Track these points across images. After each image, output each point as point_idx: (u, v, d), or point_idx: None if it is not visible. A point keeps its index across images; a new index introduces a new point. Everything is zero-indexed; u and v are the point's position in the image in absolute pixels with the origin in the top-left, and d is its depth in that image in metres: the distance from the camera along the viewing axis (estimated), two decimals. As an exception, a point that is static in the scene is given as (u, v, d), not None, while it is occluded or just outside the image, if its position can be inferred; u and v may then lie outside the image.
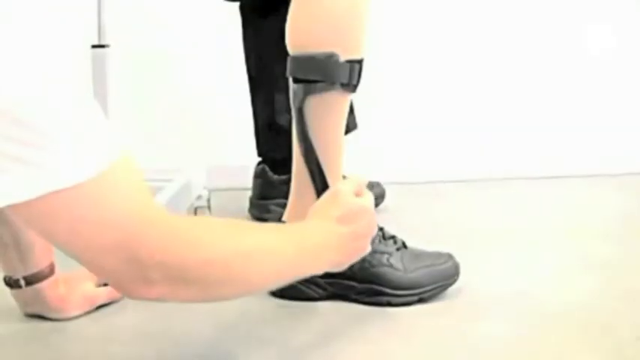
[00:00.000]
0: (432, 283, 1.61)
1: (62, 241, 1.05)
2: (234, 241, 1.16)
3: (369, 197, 1.42)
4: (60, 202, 0.98)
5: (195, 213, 1.99)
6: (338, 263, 1.36)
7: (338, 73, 1.53)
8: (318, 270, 1.34)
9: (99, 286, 1.61)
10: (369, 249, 1.42)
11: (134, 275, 1.06)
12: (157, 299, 1.10)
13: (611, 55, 2.77)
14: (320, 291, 1.61)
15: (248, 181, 2.28)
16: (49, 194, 0.97)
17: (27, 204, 0.97)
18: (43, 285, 1.51)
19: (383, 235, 1.63)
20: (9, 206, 0.97)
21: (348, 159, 1.67)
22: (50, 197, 0.97)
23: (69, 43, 1.00)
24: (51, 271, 1.51)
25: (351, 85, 1.56)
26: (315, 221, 1.35)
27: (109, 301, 1.61)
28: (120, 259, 1.04)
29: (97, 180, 0.99)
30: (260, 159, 2.27)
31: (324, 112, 1.56)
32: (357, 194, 1.40)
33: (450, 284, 1.63)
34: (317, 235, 1.31)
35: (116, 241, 1.03)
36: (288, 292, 1.60)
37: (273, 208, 2.17)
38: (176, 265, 1.07)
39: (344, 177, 1.67)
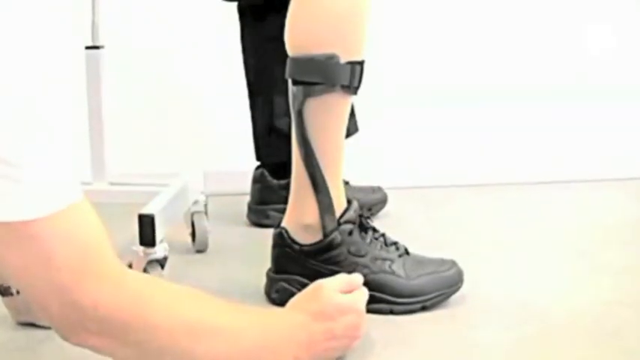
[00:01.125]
0: (435, 290, 1.60)
1: (12, 273, 1.05)
2: (187, 311, 1.14)
3: (359, 297, 1.37)
4: (13, 233, 0.98)
5: (192, 218, 1.99)
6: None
7: (338, 75, 1.53)
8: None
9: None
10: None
11: (74, 321, 1.05)
12: (91, 349, 1.09)
13: (612, 55, 2.78)
14: (320, 298, 1.61)
15: (246, 186, 2.28)
16: (2, 223, 0.96)
17: None
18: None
19: (385, 242, 1.63)
20: None
21: (349, 163, 1.67)
22: (4, 226, 0.97)
23: (56, 54, 0.99)
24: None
25: (351, 88, 1.55)
26: (289, 313, 1.30)
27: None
28: (63, 302, 1.03)
29: (54, 218, 0.99)
30: (259, 163, 2.27)
31: (324, 115, 1.56)
32: (346, 292, 1.35)
33: (454, 292, 1.63)
34: (284, 327, 1.26)
35: (62, 284, 1.02)
36: (287, 300, 1.59)
37: (272, 213, 2.17)
38: (118, 323, 1.06)
39: (345, 183, 1.67)
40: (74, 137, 1.04)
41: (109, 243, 1.08)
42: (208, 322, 1.15)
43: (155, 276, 1.61)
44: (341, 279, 1.39)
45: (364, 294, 1.38)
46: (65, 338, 1.09)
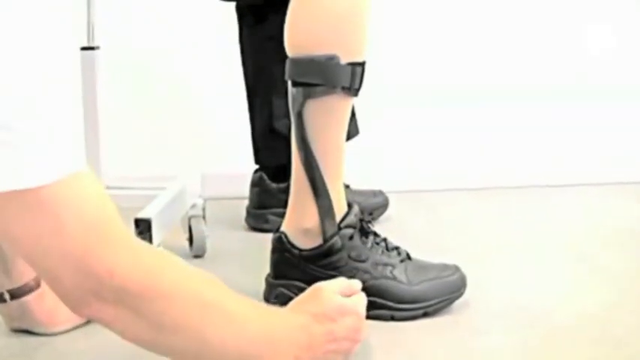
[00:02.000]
0: (437, 296, 1.60)
1: (22, 246, 1.05)
2: (200, 290, 1.14)
3: (359, 300, 1.36)
4: (22, 202, 0.98)
5: (190, 222, 1.99)
6: None
7: (339, 76, 1.53)
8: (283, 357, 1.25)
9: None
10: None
11: (88, 290, 1.05)
12: (102, 322, 1.09)
13: (614, 55, 2.78)
14: (320, 305, 1.61)
15: (245, 189, 2.28)
16: (9, 192, 0.97)
17: None
18: (29, 298, 1.50)
19: (386, 246, 1.62)
20: None
21: (350, 166, 1.67)
22: (11, 196, 0.97)
23: (53, 45, 1.00)
24: (37, 283, 1.51)
25: (352, 89, 1.55)
26: (291, 313, 1.30)
27: (99, 314, 1.60)
28: (78, 272, 1.04)
29: (60, 186, 0.99)
30: (257, 166, 2.27)
31: (324, 117, 1.56)
32: (345, 295, 1.34)
33: (457, 297, 1.62)
34: (286, 326, 1.26)
35: (76, 251, 1.03)
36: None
37: (271, 217, 2.17)
38: (133, 293, 1.07)
39: (346, 186, 1.67)
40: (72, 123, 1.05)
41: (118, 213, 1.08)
42: (219, 304, 1.16)
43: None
44: (341, 282, 1.38)
45: (363, 298, 1.37)
46: (77, 310, 1.09)
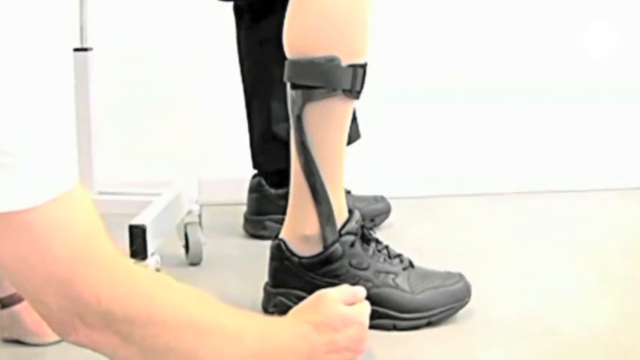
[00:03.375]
0: (441, 305, 1.60)
1: (7, 266, 1.04)
2: (192, 310, 1.14)
3: (363, 309, 1.36)
4: (7, 224, 0.98)
5: (186, 229, 1.99)
6: None
7: (339, 79, 1.53)
8: None
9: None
10: None
11: (74, 314, 1.05)
12: (90, 346, 1.09)
13: (620, 59, 2.79)
14: (320, 314, 1.61)
15: (243, 195, 2.28)
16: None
17: None
18: (21, 307, 1.50)
19: (388, 254, 1.63)
20: None
21: (351, 171, 1.67)
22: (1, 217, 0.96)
23: (44, 54, 0.99)
24: (28, 292, 1.51)
25: (353, 92, 1.55)
26: (290, 322, 1.30)
27: (92, 324, 1.60)
28: (63, 296, 1.03)
29: (47, 208, 0.99)
30: (256, 171, 2.27)
31: (324, 120, 1.56)
32: (348, 303, 1.34)
33: (461, 306, 1.62)
34: (284, 337, 1.25)
35: (62, 275, 1.02)
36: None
37: (269, 224, 2.17)
38: (123, 317, 1.06)
39: (347, 192, 1.67)
40: (65, 130, 1.04)
41: (107, 234, 1.07)
42: (213, 322, 1.15)
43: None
44: (344, 290, 1.38)
45: (367, 307, 1.37)
46: (64, 336, 1.09)
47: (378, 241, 1.64)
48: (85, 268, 1.03)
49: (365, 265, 1.59)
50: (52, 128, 1.00)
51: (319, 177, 1.57)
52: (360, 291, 1.40)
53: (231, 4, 2.22)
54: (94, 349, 1.10)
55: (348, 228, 1.60)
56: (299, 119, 1.55)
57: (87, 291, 1.03)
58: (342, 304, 1.33)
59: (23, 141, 0.96)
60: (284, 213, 1.64)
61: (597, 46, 2.76)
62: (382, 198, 2.32)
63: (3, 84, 0.94)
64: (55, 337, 1.53)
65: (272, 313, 1.62)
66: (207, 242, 2.01)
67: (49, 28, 1.00)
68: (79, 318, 1.05)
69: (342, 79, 1.53)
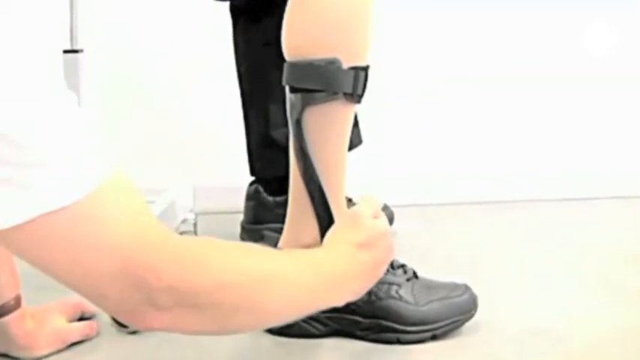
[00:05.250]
0: (446, 317, 1.60)
1: (59, 270, 1.06)
2: (247, 265, 1.18)
3: (384, 219, 1.45)
4: (52, 226, 0.99)
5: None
6: (360, 293, 1.41)
7: (341, 82, 1.52)
8: (341, 301, 1.37)
9: (71, 321, 1.61)
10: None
11: (141, 301, 1.07)
12: (167, 328, 1.11)
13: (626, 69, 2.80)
14: (321, 327, 1.61)
15: (239, 203, 2.28)
16: (39, 217, 0.98)
17: (17, 229, 0.98)
18: (9, 319, 1.50)
19: (391, 264, 1.62)
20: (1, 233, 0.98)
21: (352, 178, 1.67)
22: (41, 221, 0.98)
23: (53, 50, 1.01)
24: (17, 303, 1.51)
25: (355, 96, 1.55)
26: (336, 248, 1.38)
27: (83, 338, 1.61)
28: (124, 285, 1.05)
29: (90, 200, 1.00)
30: (253, 178, 2.27)
31: (325, 125, 1.56)
32: (375, 217, 1.43)
33: (467, 319, 1.63)
34: (339, 264, 1.34)
35: (118, 266, 1.04)
36: (286, 329, 1.60)
37: (267, 233, 2.16)
38: (187, 289, 1.09)
39: (348, 200, 1.67)
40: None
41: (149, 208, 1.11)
42: (271, 272, 1.20)
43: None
44: (370, 203, 1.46)
45: (385, 216, 1.46)
46: (134, 322, 1.12)
47: (380, 251, 1.64)
48: (141, 252, 1.06)
49: (367, 276, 1.59)
50: (78, 120, 1.02)
51: (319, 184, 1.56)
52: (379, 200, 1.48)
53: (227, 5, 2.22)
54: (166, 330, 1.13)
55: (349, 237, 1.60)
56: (298, 124, 1.55)
57: (148, 274, 1.05)
58: (373, 219, 1.42)
59: (53, 139, 0.98)
60: (282, 222, 1.64)
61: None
62: (385, 206, 2.33)
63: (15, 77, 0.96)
64: (43, 352, 1.54)
65: (271, 327, 1.62)
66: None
67: (43, 29, 1.01)
68: (146, 303, 1.07)
69: (343, 82, 1.53)
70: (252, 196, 2.24)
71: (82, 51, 1.99)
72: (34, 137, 0.96)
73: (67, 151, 0.99)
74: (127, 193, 1.08)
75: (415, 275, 1.64)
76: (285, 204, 1.65)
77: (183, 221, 1.98)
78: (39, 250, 1.03)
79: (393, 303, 1.59)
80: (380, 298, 1.58)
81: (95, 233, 1.02)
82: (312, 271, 1.28)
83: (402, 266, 1.64)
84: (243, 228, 2.26)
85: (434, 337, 1.59)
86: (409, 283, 1.61)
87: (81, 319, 1.66)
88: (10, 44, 0.96)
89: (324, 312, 1.58)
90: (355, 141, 2.11)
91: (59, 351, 1.56)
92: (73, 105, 1.03)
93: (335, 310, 1.56)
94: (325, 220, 1.58)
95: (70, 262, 1.04)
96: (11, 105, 0.95)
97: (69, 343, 1.58)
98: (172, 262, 1.08)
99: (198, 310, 1.11)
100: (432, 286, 1.63)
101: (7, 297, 1.50)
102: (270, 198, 2.20)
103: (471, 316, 1.63)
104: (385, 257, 1.44)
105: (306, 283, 1.25)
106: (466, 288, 1.64)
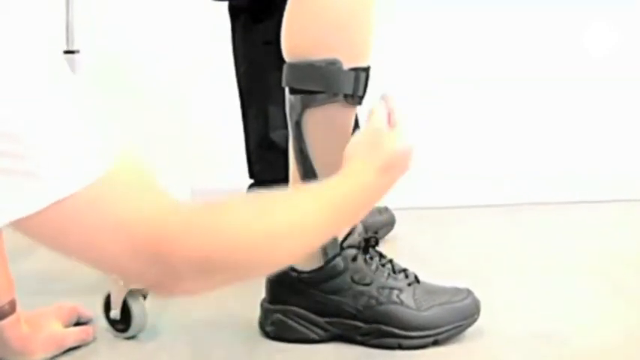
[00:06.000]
0: (448, 322, 1.60)
1: (76, 254, 1.09)
2: (262, 224, 1.18)
3: (403, 129, 1.41)
4: (64, 213, 1.01)
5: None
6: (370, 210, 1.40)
7: (341, 83, 1.52)
8: (352, 225, 1.40)
9: (67, 326, 1.61)
10: None
11: (161, 274, 1.09)
12: (192, 293, 1.15)
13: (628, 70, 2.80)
14: (321, 332, 1.60)
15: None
16: (51, 206, 0.99)
17: (32, 219, 1.00)
18: (3, 324, 1.50)
19: (392, 269, 1.62)
20: (15, 223, 1.00)
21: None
22: (53, 209, 1.00)
23: (49, 42, 1.02)
24: (12, 308, 1.50)
25: (355, 97, 1.55)
26: (356, 176, 1.34)
27: (79, 343, 1.60)
28: (142, 261, 1.07)
29: (98, 185, 1.02)
30: (252, 181, 2.26)
31: (325, 127, 1.56)
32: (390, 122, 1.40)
33: (469, 324, 1.62)
34: (358, 196, 1.32)
35: (133, 244, 1.06)
36: (285, 335, 1.59)
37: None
38: (203, 257, 1.10)
39: None
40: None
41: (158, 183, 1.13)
42: (285, 225, 1.19)
43: (136, 300, 1.62)
44: (384, 112, 1.41)
45: (403, 118, 1.43)
46: (162, 294, 1.18)
47: (381, 255, 1.64)
48: (153, 228, 1.07)
49: (368, 281, 1.59)
50: (79, 105, 1.05)
51: (319, 187, 1.56)
52: (392, 100, 1.43)
53: (225, 4, 2.21)
54: (193, 295, 1.16)
55: (349, 241, 1.59)
56: (298, 126, 1.55)
57: (162, 248, 1.07)
58: (398, 137, 1.39)
59: (56, 130, 1.00)
60: (282, 225, 1.64)
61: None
62: (386, 209, 2.32)
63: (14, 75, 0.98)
64: (40, 356, 1.53)
65: (269, 331, 1.62)
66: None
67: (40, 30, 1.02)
68: (166, 275, 1.09)
69: (343, 84, 1.52)
70: (251, 199, 2.23)
71: (78, 52, 1.98)
72: (37, 128, 0.98)
73: (72, 140, 1.01)
74: (135, 172, 1.10)
75: (417, 280, 1.63)
76: (284, 207, 1.64)
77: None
78: (54, 237, 1.05)
79: (394, 308, 1.58)
80: (381, 303, 1.58)
81: (106, 216, 1.04)
82: (330, 210, 1.26)
83: (404, 270, 1.64)
84: (241, 231, 2.25)
85: (436, 343, 1.58)
86: (411, 288, 1.61)
87: (77, 323, 1.65)
88: (9, 38, 0.97)
89: (323, 316, 1.58)
90: (356, 143, 2.10)
91: (55, 356, 1.56)
92: (78, 92, 1.05)
93: (335, 314, 1.56)
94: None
95: (85, 245, 1.06)
96: (13, 100, 0.97)
97: (65, 348, 1.58)
98: (185, 233, 1.09)
99: (214, 273, 1.13)
100: (433, 291, 1.62)
101: (2, 301, 1.50)
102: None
103: (474, 321, 1.62)
104: (403, 172, 1.40)
105: (324, 224, 1.25)
106: (468, 292, 1.64)
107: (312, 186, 1.36)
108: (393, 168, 1.36)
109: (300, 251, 1.25)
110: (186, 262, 1.08)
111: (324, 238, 1.31)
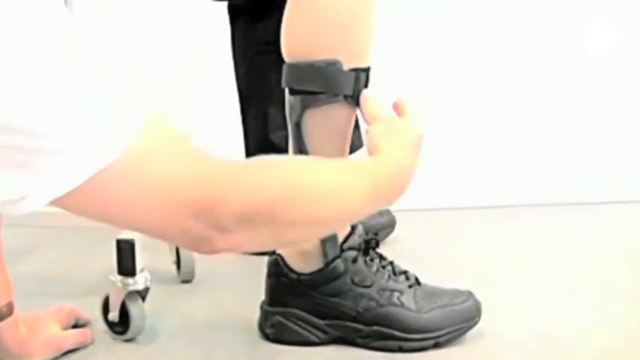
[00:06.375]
0: (449, 325, 1.59)
1: (122, 221, 1.11)
2: (305, 178, 1.20)
3: (412, 110, 1.44)
4: (101, 185, 1.03)
5: (177, 246, 1.98)
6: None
7: (341, 84, 1.52)
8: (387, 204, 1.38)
9: (66, 328, 1.60)
10: None
11: (204, 229, 1.10)
12: (233, 249, 1.17)
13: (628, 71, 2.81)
14: (321, 335, 1.60)
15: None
16: (86, 182, 1.01)
17: (68, 197, 1.01)
18: (1, 326, 1.49)
19: (393, 271, 1.62)
20: (54, 202, 1.03)
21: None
22: (88, 184, 1.01)
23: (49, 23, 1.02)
24: (9, 310, 1.50)
25: (356, 98, 1.54)
26: (390, 156, 1.36)
27: (77, 345, 1.60)
28: (185, 219, 1.09)
29: (131, 154, 1.04)
30: (251, 182, 2.25)
31: (325, 128, 1.55)
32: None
33: (471, 327, 1.61)
34: (394, 173, 1.33)
35: (176, 205, 1.08)
36: (285, 337, 1.59)
37: (266, 239, 2.15)
38: (246, 209, 1.11)
39: None
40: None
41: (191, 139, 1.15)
42: (330, 185, 1.22)
43: (135, 302, 1.61)
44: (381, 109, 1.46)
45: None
46: (206, 250, 1.15)
47: (382, 257, 1.63)
48: (195, 186, 1.09)
49: (368, 283, 1.58)
50: (98, 85, 1.06)
51: (319, 188, 1.56)
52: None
53: (225, 4, 2.21)
54: (233, 251, 1.21)
55: (350, 243, 1.59)
56: (298, 127, 1.55)
57: (204, 204, 1.09)
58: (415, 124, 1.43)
59: (81, 106, 1.01)
60: (282, 227, 1.63)
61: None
62: (387, 211, 2.32)
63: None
64: (38, 358, 1.53)
65: (269, 334, 1.61)
66: (199, 258, 2.00)
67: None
68: (209, 229, 1.11)
69: (343, 84, 1.52)
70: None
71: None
72: (60, 107, 0.99)
73: (97, 114, 1.03)
74: (168, 134, 1.12)
75: (417, 282, 1.63)
76: (284, 209, 1.64)
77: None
78: (95, 209, 1.08)
79: (394, 310, 1.58)
80: (381, 305, 1.57)
81: (145, 181, 1.07)
82: (369, 181, 1.27)
83: (404, 272, 1.63)
84: (241, 233, 2.25)
85: (436, 345, 1.58)
86: (411, 290, 1.60)
87: (75, 326, 1.65)
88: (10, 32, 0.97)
89: (324, 319, 1.57)
90: (356, 144, 2.09)
91: (53, 359, 1.55)
92: (98, 64, 1.07)
93: (335, 317, 1.56)
94: (325, 225, 1.57)
95: (127, 212, 1.08)
96: (30, 85, 0.97)
97: (63, 350, 1.57)
98: (229, 186, 1.12)
99: (262, 225, 1.14)
100: (434, 293, 1.62)
101: (0, 303, 1.49)
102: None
103: (475, 324, 1.62)
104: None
105: (365, 194, 1.26)
106: (469, 295, 1.63)
107: (351, 161, 1.40)
108: (419, 148, 1.39)
109: (340, 215, 1.26)
110: (229, 215, 1.10)
111: (364, 210, 1.29)
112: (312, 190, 1.19)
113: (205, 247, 1.13)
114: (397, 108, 1.44)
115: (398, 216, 2.32)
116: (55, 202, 1.02)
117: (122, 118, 1.06)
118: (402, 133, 1.39)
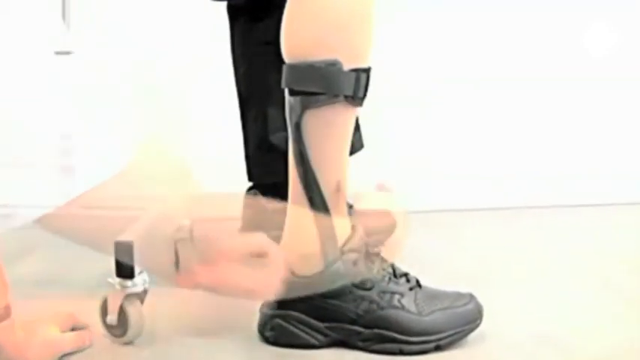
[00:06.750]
0: (450, 328, 1.58)
1: None
2: None
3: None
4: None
5: (176, 246, 1.96)
6: None
7: (341, 84, 1.51)
8: None
9: (64, 332, 1.60)
10: None
11: None
12: None
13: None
14: (320, 337, 1.59)
15: (237, 209, 2.26)
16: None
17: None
18: (-1, 328, 1.49)
19: (394, 273, 1.61)
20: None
21: (353, 184, 1.66)
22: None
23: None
24: (6, 313, 1.49)
25: (356, 99, 1.54)
26: None
27: (76, 349, 1.59)
28: None
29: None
30: (251, 184, 2.25)
31: (325, 129, 1.55)
32: None
33: (472, 329, 1.61)
34: None
35: None
36: (284, 339, 1.58)
37: (265, 240, 2.15)
38: None
39: (349, 206, 1.66)
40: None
41: None
42: None
43: (133, 305, 1.61)
44: None
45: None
46: None
47: (382, 259, 1.63)
48: None
49: (369, 285, 1.57)
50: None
51: (319, 190, 1.56)
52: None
53: (224, 4, 2.21)
54: None
55: (350, 245, 1.58)
56: (297, 128, 1.54)
57: None
58: None
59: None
60: (281, 228, 1.63)
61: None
62: (387, 213, 2.31)
63: None
64: (36, 363, 1.53)
65: (268, 337, 1.61)
66: (198, 260, 1.99)
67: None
68: None
69: (344, 85, 1.52)
70: (250, 203, 2.23)
71: (72, 53, 1.97)
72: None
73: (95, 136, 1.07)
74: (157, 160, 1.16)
75: (418, 284, 1.63)
76: (284, 210, 1.63)
77: (178, 228, 1.96)
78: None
79: (395, 313, 1.57)
80: (382, 308, 1.57)
81: None
82: None
83: (405, 275, 1.63)
84: (240, 235, 2.24)
85: (437, 348, 1.57)
86: (412, 292, 1.60)
87: (74, 329, 1.64)
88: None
89: (323, 321, 1.57)
90: (357, 145, 2.09)
91: (49, 363, 1.54)
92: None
93: (335, 319, 1.55)
94: (325, 227, 1.57)
95: None
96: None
97: (61, 354, 1.57)
98: None
99: None
100: (435, 296, 1.61)
101: (-3, 307, 1.49)
102: (269, 204, 2.18)
103: (476, 326, 1.61)
104: None
105: None
106: (471, 297, 1.63)
107: None
108: None
109: None
110: None
111: None
112: None
113: None
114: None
115: (398, 217, 2.32)
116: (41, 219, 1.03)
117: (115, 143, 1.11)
118: None
